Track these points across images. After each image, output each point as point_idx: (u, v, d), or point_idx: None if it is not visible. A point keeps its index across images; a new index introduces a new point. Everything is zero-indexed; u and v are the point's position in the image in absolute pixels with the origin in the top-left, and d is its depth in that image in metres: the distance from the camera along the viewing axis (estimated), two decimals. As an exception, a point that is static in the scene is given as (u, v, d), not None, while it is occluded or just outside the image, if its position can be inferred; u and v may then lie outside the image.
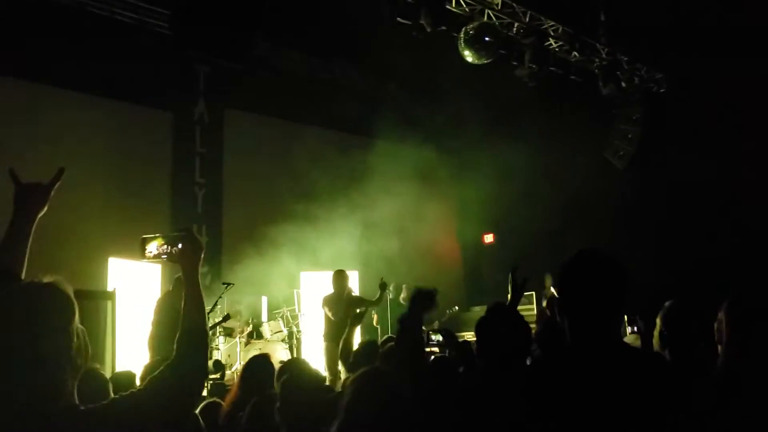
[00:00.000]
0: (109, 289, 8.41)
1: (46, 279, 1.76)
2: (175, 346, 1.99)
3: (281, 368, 3.93)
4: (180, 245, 2.17)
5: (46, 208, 2.22)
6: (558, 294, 2.15)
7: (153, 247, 2.21)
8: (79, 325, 1.77)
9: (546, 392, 2.01)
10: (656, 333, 3.08)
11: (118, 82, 10.11)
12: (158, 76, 10.48)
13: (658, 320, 3.03)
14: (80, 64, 9.60)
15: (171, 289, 8.34)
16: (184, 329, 2.01)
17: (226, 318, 8.98)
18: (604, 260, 2.10)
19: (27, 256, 2.14)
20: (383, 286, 8.53)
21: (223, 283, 9.02)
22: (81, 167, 9.22)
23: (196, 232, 2.25)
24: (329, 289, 8.50)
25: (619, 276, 2.08)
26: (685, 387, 2.06)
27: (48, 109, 9.69)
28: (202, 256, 2.16)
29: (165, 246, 2.20)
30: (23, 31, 9.09)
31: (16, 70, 9.35)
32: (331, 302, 8.33)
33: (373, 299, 8.72)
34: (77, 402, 1.74)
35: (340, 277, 8.45)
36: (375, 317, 9.99)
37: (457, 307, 11.96)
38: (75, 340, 1.73)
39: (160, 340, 7.63)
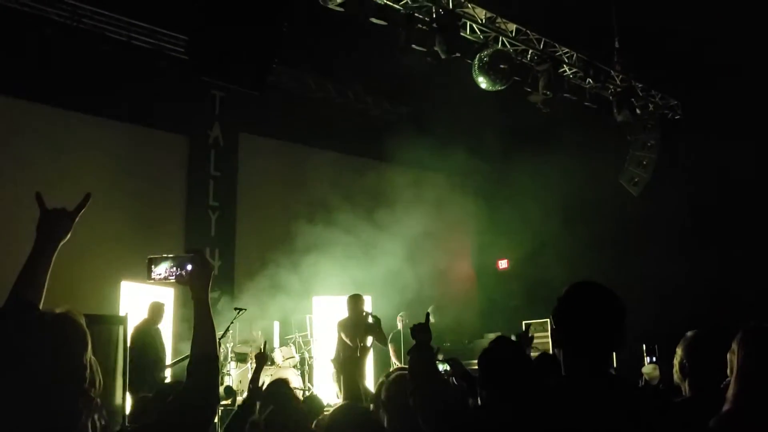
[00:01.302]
0: (122, 313, 8.40)
1: (59, 309, 1.72)
2: (186, 374, 1.94)
3: (266, 397, 3.90)
4: (189, 267, 2.09)
5: (69, 236, 2.14)
6: (554, 326, 2.11)
7: (161, 269, 2.15)
8: (92, 356, 1.73)
9: (539, 427, 1.97)
10: (676, 363, 3.00)
11: (134, 105, 10.22)
12: (174, 100, 10.57)
13: (678, 350, 2.95)
14: (98, 88, 9.72)
15: (147, 316, 8.36)
16: (194, 356, 1.96)
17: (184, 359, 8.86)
18: (600, 293, 2.07)
19: (46, 284, 2.06)
20: (377, 322, 8.10)
21: (235, 308, 8.99)
22: (96, 189, 9.17)
23: (208, 255, 2.20)
24: (343, 314, 8.38)
25: (616, 309, 2.04)
26: (682, 424, 2.01)
27: (65, 132, 9.81)
28: (212, 278, 2.09)
29: (173, 268, 2.13)
30: (43, 55, 9.22)
31: (34, 94, 9.46)
32: (347, 328, 8.16)
33: (382, 334, 8.35)
34: None
35: (356, 301, 8.28)
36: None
37: (448, 343, 11.42)
38: (88, 371, 1.69)
39: (140, 371, 7.41)
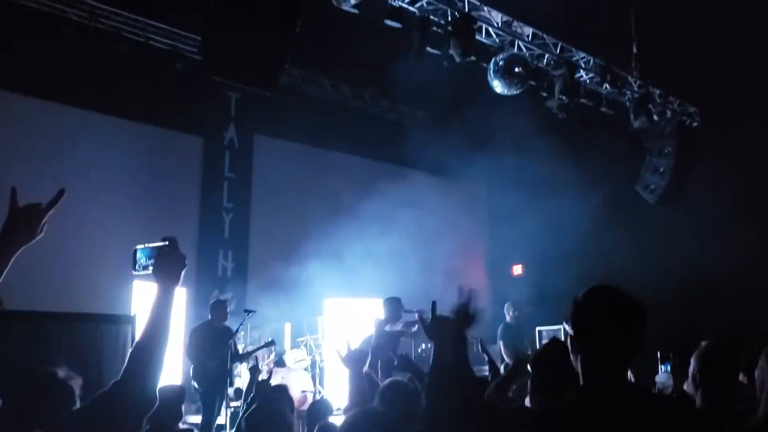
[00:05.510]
0: (132, 313, 8.40)
1: None
2: (127, 361, 1.83)
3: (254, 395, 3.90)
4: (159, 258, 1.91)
5: (41, 235, 1.97)
6: (572, 331, 2.03)
7: (146, 261, 1.96)
8: None
9: None
10: (689, 373, 2.94)
11: (150, 106, 10.25)
12: (190, 101, 10.60)
13: (693, 360, 2.88)
14: (114, 88, 9.77)
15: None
16: (139, 345, 1.84)
17: (271, 344, 8.97)
18: (620, 297, 1.97)
19: None
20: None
21: (245, 310, 8.96)
22: (110, 189, 9.32)
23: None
24: (375, 316, 8.25)
25: (638, 314, 1.95)
26: None
27: (81, 131, 9.84)
28: (183, 273, 1.94)
29: (151, 259, 1.95)
30: (58, 56, 9.27)
31: (52, 94, 9.51)
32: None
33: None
34: None
35: (398, 304, 8.06)
36: None
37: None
38: None
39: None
